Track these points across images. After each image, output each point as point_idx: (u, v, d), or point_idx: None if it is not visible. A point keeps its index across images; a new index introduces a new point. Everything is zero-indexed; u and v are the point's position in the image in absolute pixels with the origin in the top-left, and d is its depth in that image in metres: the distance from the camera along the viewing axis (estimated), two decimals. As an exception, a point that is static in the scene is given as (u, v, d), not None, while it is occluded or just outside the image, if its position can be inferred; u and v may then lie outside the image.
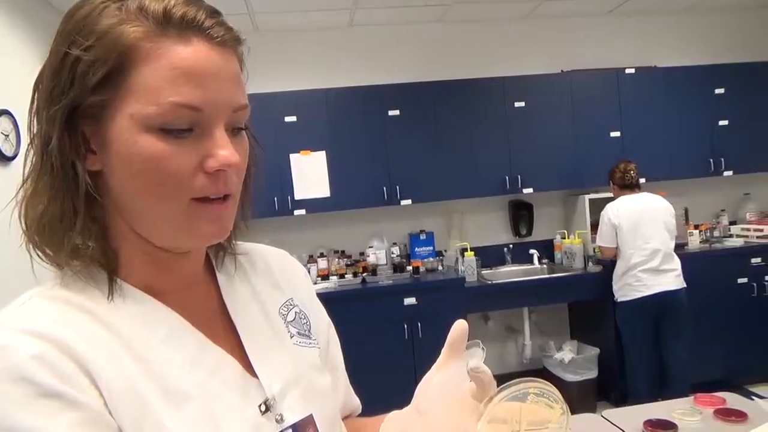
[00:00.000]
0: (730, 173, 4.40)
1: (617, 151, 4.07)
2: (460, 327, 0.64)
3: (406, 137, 4.04)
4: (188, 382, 0.58)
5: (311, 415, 0.66)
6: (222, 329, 0.67)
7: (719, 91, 4.37)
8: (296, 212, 3.92)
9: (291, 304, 0.76)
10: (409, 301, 3.76)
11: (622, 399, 3.59)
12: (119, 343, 0.57)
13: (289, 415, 0.64)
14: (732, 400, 1.75)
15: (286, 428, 0.63)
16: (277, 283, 0.77)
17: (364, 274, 3.97)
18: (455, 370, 0.64)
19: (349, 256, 4.22)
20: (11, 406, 0.48)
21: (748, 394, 2.46)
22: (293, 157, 3.89)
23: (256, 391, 0.64)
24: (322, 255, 4.11)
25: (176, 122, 0.55)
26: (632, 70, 4.32)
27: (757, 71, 4.42)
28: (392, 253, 4.24)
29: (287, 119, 3.86)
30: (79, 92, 0.55)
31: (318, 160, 3.94)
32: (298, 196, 3.92)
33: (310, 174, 3.93)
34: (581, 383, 3.81)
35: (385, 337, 3.64)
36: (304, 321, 0.77)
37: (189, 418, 0.56)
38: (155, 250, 0.62)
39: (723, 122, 4.38)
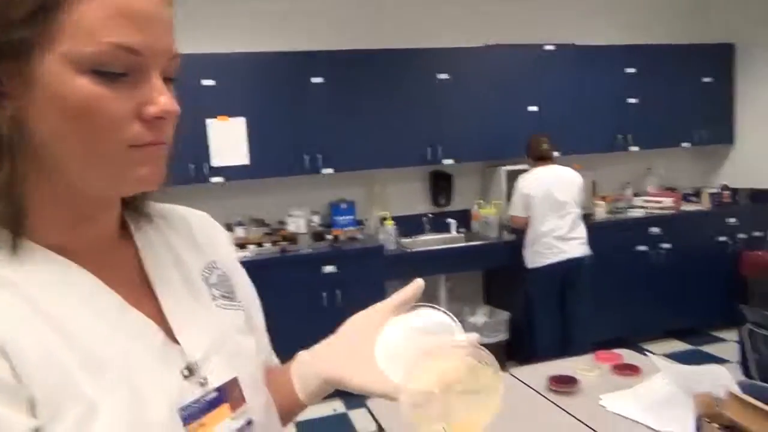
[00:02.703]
0: (635, 149, 4.68)
1: (534, 124, 4.21)
2: (417, 284, 0.70)
3: (329, 105, 3.99)
4: (107, 348, 0.55)
5: (236, 377, 0.65)
6: (141, 293, 0.63)
7: (630, 70, 4.61)
8: (213, 179, 3.80)
9: (213, 267, 0.74)
10: (329, 269, 3.77)
11: (529, 359, 3.79)
12: (29, 308, 0.52)
13: (212, 379, 0.63)
14: (628, 356, 1.90)
15: (211, 391, 0.62)
16: (198, 245, 0.74)
17: (284, 243, 3.93)
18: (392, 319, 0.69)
19: (269, 225, 4.16)
20: None
21: (642, 351, 2.66)
22: (210, 122, 3.74)
23: (178, 355, 0.61)
24: (240, 223, 4.02)
25: (112, 65, 0.51)
26: (552, 47, 4.45)
27: (667, 53, 4.70)
28: (312, 221, 4.21)
29: (204, 82, 3.69)
30: (1, 26, 0.49)
31: (237, 126, 3.81)
32: (215, 163, 3.79)
33: (228, 140, 3.80)
34: (492, 345, 3.99)
35: (304, 305, 3.64)
36: (227, 283, 0.74)
37: (109, 385, 0.54)
38: (72, 203, 0.58)
39: (632, 100, 4.63)
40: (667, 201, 4.58)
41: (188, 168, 3.68)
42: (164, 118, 0.55)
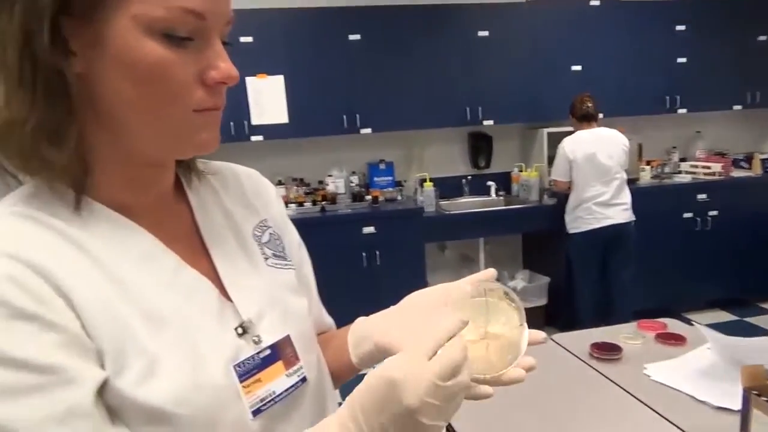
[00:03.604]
0: (684, 111, 4.49)
1: (578, 85, 4.07)
2: (488, 273, 0.69)
3: (367, 63, 3.94)
4: (165, 305, 0.57)
5: (288, 335, 0.66)
6: (196, 251, 0.65)
7: (680, 27, 4.39)
8: (253, 138, 3.82)
9: (265, 226, 0.74)
10: (368, 230, 3.78)
11: (568, 325, 3.77)
12: (92, 264, 0.54)
13: (266, 337, 0.64)
14: (673, 325, 1.86)
15: (264, 349, 0.63)
16: (250, 203, 0.75)
17: (323, 203, 3.95)
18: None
19: (308, 185, 4.18)
20: None
21: (686, 321, 2.61)
22: (249, 80, 3.73)
23: (232, 314, 0.63)
24: (280, 183, 4.06)
25: (180, 29, 0.52)
26: (597, 2, 4.27)
27: (718, 8, 4.43)
28: (351, 182, 4.21)
29: (243, 39, 3.67)
30: None
31: (276, 84, 3.80)
32: (254, 121, 3.80)
33: (267, 99, 3.80)
34: (531, 310, 3.98)
35: (344, 265, 3.67)
36: (278, 242, 0.75)
37: (169, 341, 0.55)
38: (133, 164, 0.59)
39: (681, 59, 4.42)
40: (716, 166, 4.41)
41: (228, 126, 3.70)
42: (226, 83, 0.56)
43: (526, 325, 0.63)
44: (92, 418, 0.49)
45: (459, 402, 0.53)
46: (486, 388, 0.57)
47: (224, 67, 0.55)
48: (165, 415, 0.53)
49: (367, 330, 0.73)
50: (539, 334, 0.65)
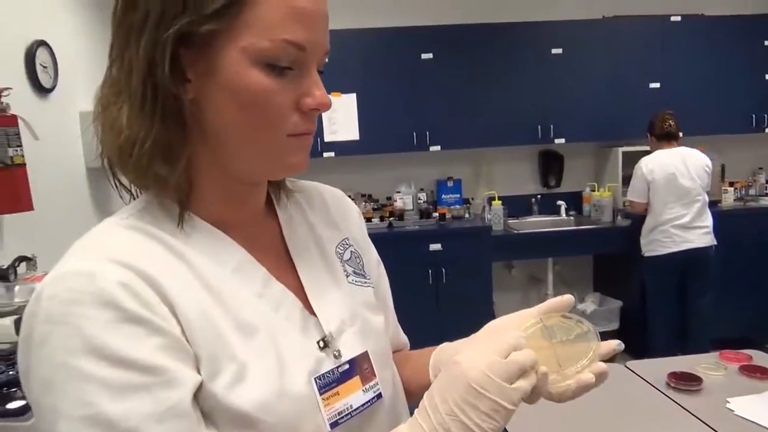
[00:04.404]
0: (771, 130, 4.26)
1: (656, 103, 3.93)
2: (565, 298, 0.68)
3: (438, 82, 3.97)
4: (255, 315, 0.60)
5: (366, 351, 0.68)
6: (283, 266, 0.68)
7: (768, 43, 4.18)
8: (325, 155, 3.92)
9: (347, 244, 0.78)
10: (435, 247, 3.78)
11: (642, 352, 3.61)
12: (192, 275, 0.58)
13: (345, 351, 0.66)
14: (758, 357, 1.76)
15: (343, 363, 0.65)
16: (334, 222, 0.78)
17: (391, 219, 3.99)
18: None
19: (377, 201, 4.24)
20: (100, 328, 0.50)
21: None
22: (324, 98, 3.83)
23: (315, 327, 0.65)
24: (350, 198, 4.12)
25: (282, 59, 0.56)
26: (678, 18, 4.13)
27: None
28: (419, 199, 4.23)
29: (318, 59, 3.79)
30: (194, 18, 0.53)
31: (348, 102, 3.89)
32: (327, 138, 3.90)
33: (340, 117, 3.90)
34: (602, 334, 3.79)
35: (410, 282, 3.69)
36: (359, 260, 0.78)
37: (257, 350, 0.58)
38: (231, 182, 0.63)
39: (770, 76, 4.20)
40: (807, 189, 4.15)
41: (302, 143, 3.80)
42: (320, 109, 0.60)
43: (598, 338, 0.63)
44: (189, 419, 0.52)
45: (523, 388, 0.55)
46: (559, 384, 0.59)
47: (319, 95, 0.59)
48: (251, 420, 0.55)
49: (449, 354, 0.74)
50: (613, 342, 0.64)
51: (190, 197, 0.62)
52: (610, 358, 0.62)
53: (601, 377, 0.60)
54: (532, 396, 0.58)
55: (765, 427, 1.32)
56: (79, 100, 2.86)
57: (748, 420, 1.37)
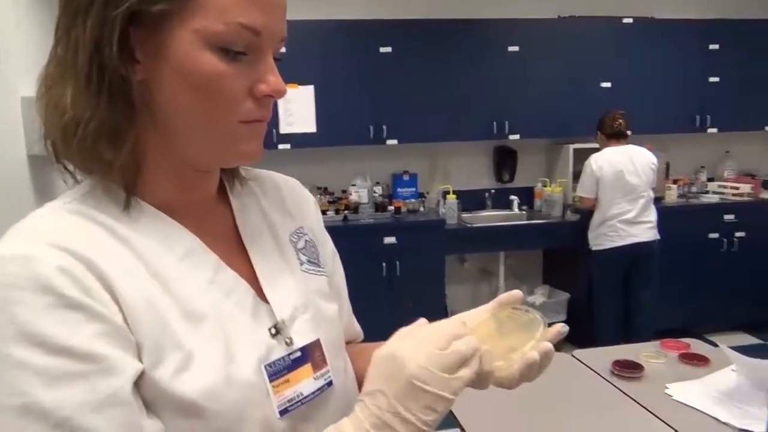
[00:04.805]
0: (714, 130, 4.45)
1: (606, 101, 4.04)
2: (514, 293, 0.68)
3: (396, 76, 3.97)
4: (204, 302, 0.59)
5: (318, 339, 0.68)
6: (235, 253, 0.67)
7: (713, 47, 4.35)
8: (281, 146, 3.87)
9: (301, 232, 0.77)
10: (389, 240, 3.80)
11: (587, 342, 3.70)
12: (137, 261, 0.57)
13: (297, 339, 0.66)
14: (696, 346, 1.84)
15: (295, 351, 0.65)
16: (288, 210, 0.78)
17: (346, 212, 3.99)
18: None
19: (332, 193, 4.22)
20: (35, 314, 0.48)
21: (709, 343, 2.55)
22: (280, 89, 3.79)
23: (267, 314, 0.65)
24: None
25: (236, 43, 0.55)
26: (630, 20, 4.25)
27: (753, 28, 4.39)
28: (375, 192, 4.24)
29: (275, 49, 3.74)
30: None
31: (305, 94, 3.85)
32: (283, 130, 3.86)
33: (296, 108, 3.86)
34: (550, 326, 3.93)
35: (364, 274, 3.68)
36: (314, 250, 0.77)
37: (205, 337, 0.57)
38: (182, 168, 0.62)
39: (713, 79, 4.38)
40: (745, 187, 4.35)
41: (257, 134, 3.75)
42: (274, 96, 0.59)
43: (545, 324, 0.64)
44: (129, 407, 0.51)
45: (466, 377, 0.55)
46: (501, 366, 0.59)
47: (274, 81, 0.58)
48: (196, 408, 0.54)
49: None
50: (558, 325, 0.64)
51: (137, 182, 0.60)
52: (557, 346, 0.63)
53: (546, 356, 0.61)
54: (480, 382, 0.59)
55: (698, 410, 1.39)
56: (21, 85, 2.74)
57: (685, 404, 1.43)
